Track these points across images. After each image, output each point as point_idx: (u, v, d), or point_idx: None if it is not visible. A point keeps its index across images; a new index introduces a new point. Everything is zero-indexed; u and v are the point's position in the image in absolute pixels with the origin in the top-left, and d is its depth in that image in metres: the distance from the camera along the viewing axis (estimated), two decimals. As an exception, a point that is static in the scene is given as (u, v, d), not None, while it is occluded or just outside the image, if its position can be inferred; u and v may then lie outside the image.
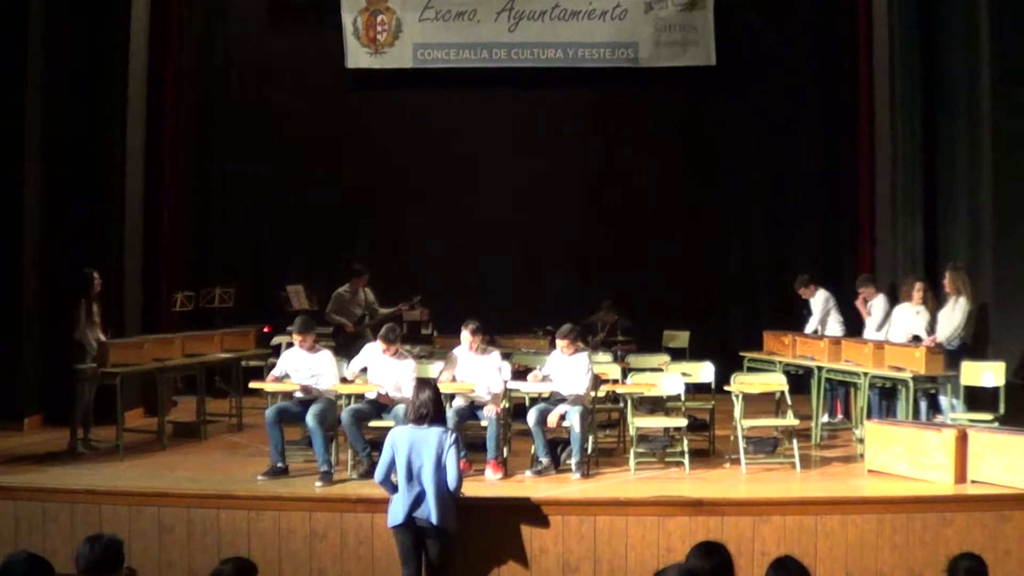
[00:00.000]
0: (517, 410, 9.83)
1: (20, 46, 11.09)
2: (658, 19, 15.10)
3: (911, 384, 9.64)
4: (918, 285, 10.83)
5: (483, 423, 9.08)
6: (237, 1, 15.38)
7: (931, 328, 10.43)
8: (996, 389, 9.56)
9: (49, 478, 8.67)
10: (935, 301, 10.67)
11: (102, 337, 10.34)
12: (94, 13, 11.59)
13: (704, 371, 10.47)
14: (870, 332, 11.38)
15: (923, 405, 10.05)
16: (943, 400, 10.01)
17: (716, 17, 14.98)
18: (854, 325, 11.94)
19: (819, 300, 12.11)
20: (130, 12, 11.97)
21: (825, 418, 11.26)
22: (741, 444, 9.35)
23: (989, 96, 10.62)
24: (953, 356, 9.94)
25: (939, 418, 9.87)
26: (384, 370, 9.24)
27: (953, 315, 10.12)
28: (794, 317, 12.54)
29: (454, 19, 15.29)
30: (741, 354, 11.90)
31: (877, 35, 12.99)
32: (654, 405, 10.45)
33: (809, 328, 12.10)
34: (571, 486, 8.63)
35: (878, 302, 11.52)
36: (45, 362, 11.11)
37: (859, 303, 11.72)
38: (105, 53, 11.70)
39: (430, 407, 7.38)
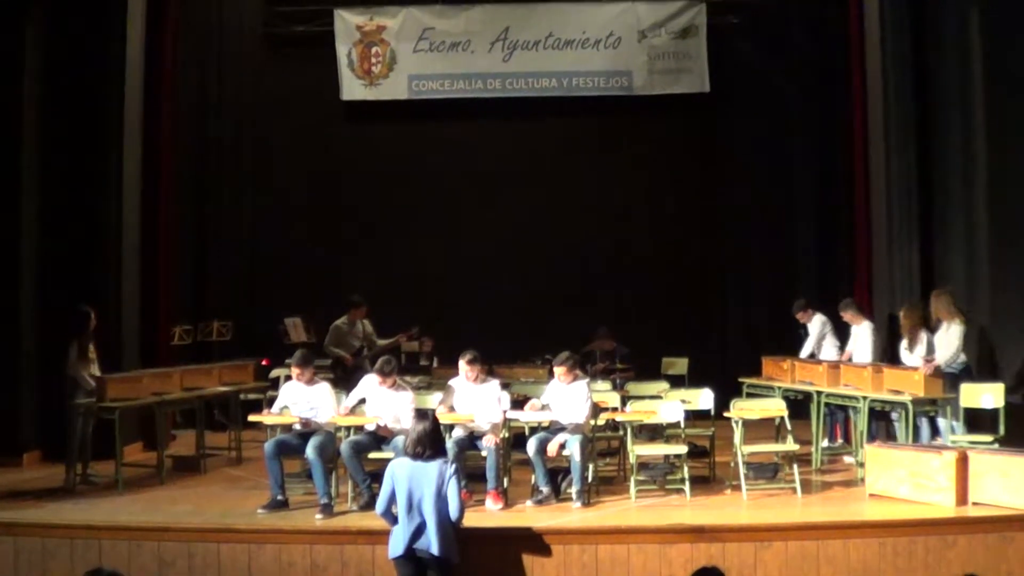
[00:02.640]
0: (517, 440, 9.82)
1: (16, 81, 11.15)
2: (652, 47, 15.22)
3: (910, 407, 9.64)
4: (902, 312, 10.86)
5: (483, 453, 9.04)
6: (232, 34, 15.45)
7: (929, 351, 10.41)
8: (995, 410, 9.55)
9: (48, 513, 8.64)
10: (917, 320, 10.59)
11: (98, 373, 10.33)
12: (90, 50, 11.63)
13: (703, 398, 10.46)
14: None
15: (924, 425, 10.03)
16: (942, 422, 9.99)
17: (709, 44, 15.12)
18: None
19: (816, 324, 12.17)
20: (125, 45, 12.00)
21: (825, 443, 11.24)
22: (742, 470, 9.33)
23: (984, 118, 10.67)
24: (955, 378, 9.92)
25: (939, 440, 9.86)
26: (382, 402, 9.22)
27: (948, 338, 10.08)
28: (792, 343, 12.53)
29: (448, 50, 15.39)
30: (740, 380, 11.88)
31: (870, 59, 13.03)
32: (654, 432, 10.45)
33: (805, 351, 12.12)
34: (572, 515, 8.60)
35: (859, 332, 11.52)
36: (43, 398, 11.06)
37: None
38: (101, 87, 11.73)
39: (429, 440, 7.37)
